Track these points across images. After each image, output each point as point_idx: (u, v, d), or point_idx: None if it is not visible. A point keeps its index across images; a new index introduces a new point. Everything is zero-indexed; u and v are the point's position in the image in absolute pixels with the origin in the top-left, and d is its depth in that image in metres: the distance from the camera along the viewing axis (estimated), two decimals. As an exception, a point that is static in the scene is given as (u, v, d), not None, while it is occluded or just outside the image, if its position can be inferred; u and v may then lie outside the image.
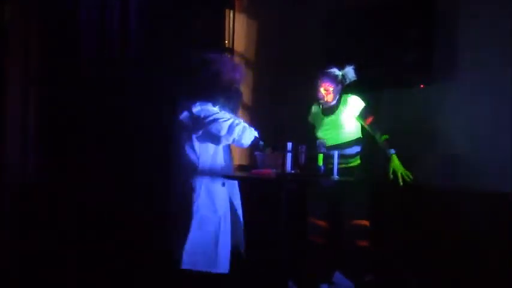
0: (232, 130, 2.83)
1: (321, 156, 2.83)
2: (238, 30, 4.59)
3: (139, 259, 3.62)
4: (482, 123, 3.36)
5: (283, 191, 2.77)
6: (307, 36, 4.22)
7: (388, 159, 3.13)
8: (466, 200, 3.31)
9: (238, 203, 3.11)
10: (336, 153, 2.84)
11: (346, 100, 3.32)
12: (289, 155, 2.73)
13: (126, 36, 4.04)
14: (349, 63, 3.31)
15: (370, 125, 3.28)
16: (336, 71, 3.32)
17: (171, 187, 3.03)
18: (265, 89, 4.52)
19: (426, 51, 3.47)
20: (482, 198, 3.24)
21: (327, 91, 3.29)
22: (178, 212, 2.95)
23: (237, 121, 2.88)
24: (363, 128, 3.35)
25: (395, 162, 3.11)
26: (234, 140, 2.86)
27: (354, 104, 3.29)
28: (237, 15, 4.60)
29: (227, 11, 4.57)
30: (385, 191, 3.34)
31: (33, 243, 3.46)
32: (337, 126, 3.30)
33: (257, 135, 2.91)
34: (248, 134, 2.85)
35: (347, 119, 3.30)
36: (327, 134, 3.31)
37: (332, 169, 2.88)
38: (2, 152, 3.51)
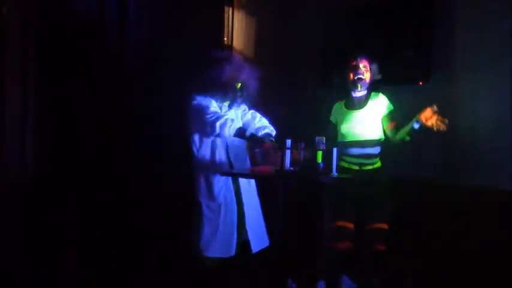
0: (214, 124, 2.94)
1: (319, 154, 2.80)
2: (237, 27, 4.57)
3: (140, 258, 3.62)
4: (482, 122, 3.32)
5: (281, 189, 2.76)
6: (306, 33, 4.20)
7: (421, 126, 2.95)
8: (466, 199, 3.27)
9: (248, 198, 3.18)
10: (335, 150, 2.80)
11: (377, 95, 3.24)
12: (288, 152, 2.71)
13: (125, 34, 4.04)
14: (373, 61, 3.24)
15: (391, 130, 3.18)
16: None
17: (172, 181, 3.14)
18: (264, 87, 4.49)
19: (426, 49, 3.44)
20: (482, 197, 3.21)
21: (365, 68, 3.19)
22: (181, 200, 3.19)
23: (220, 115, 2.99)
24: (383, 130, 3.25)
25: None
26: (217, 133, 2.96)
27: (385, 102, 3.21)
28: (236, 12, 4.59)
29: (226, 8, 4.56)
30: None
31: (33, 243, 3.45)
32: (364, 121, 3.18)
33: (241, 126, 3.03)
34: (229, 126, 2.94)
35: (374, 116, 3.20)
36: (351, 129, 3.20)
37: (347, 168, 3.11)
38: (2, 152, 3.51)
